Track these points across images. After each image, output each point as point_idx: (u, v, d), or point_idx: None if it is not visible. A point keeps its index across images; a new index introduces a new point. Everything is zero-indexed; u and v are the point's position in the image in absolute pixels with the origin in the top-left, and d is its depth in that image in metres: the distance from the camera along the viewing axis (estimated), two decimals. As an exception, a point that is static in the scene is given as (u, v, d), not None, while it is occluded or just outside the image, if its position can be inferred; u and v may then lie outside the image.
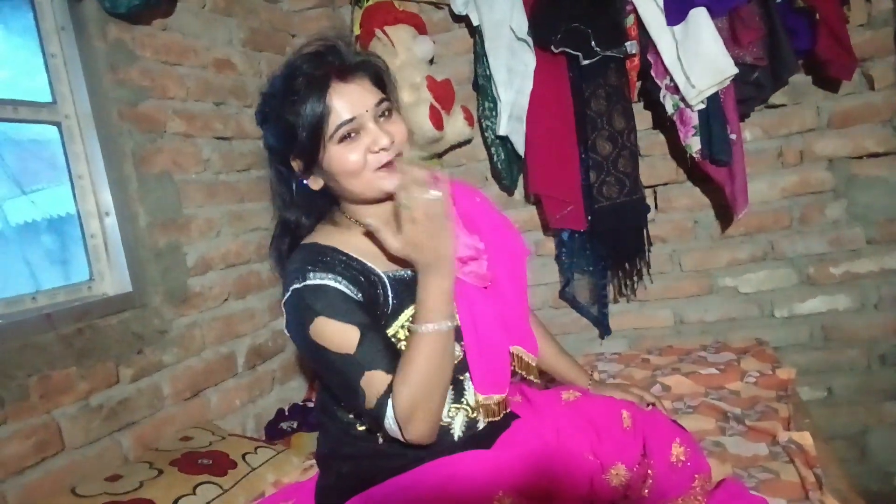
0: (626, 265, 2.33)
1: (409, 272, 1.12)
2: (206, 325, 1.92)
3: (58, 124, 1.68)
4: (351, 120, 1.04)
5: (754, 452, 1.42)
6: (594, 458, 1.15)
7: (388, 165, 1.07)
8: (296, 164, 1.10)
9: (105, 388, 1.56)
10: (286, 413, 2.13)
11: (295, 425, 2.04)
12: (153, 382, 1.71)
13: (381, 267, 1.11)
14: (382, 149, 1.05)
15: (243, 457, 1.60)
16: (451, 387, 1.13)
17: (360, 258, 1.09)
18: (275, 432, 2.03)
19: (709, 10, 1.97)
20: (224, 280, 2.02)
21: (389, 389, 1.02)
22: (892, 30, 2.11)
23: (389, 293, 1.10)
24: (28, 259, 1.65)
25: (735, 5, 1.98)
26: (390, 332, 1.10)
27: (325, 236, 1.13)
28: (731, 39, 2.00)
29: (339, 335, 1.02)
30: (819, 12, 1.96)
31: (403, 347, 1.08)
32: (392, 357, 1.04)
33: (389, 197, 1.07)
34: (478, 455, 1.13)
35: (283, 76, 1.09)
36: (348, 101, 1.04)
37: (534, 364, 1.25)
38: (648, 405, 1.38)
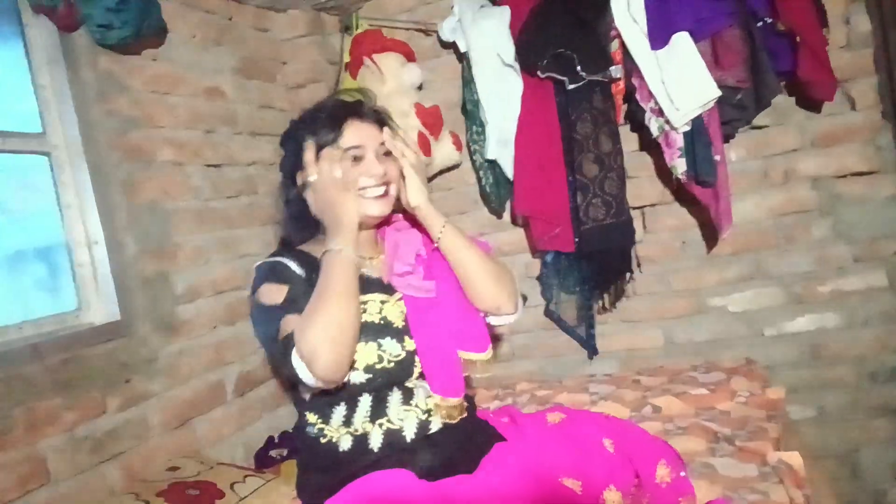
0: (612, 287, 2.34)
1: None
2: (194, 353, 1.91)
3: (47, 154, 1.69)
4: (357, 147, 1.24)
5: (744, 473, 1.42)
6: (582, 482, 1.17)
7: (378, 195, 1.26)
8: (300, 177, 1.28)
9: (91, 418, 1.55)
10: (276, 441, 2.11)
11: (285, 453, 2.02)
12: (140, 412, 1.70)
13: None
14: (375, 175, 1.24)
15: (231, 486, 1.59)
16: (399, 392, 1.24)
17: (316, 256, 1.26)
18: (264, 460, 2.01)
19: (691, 34, 2.00)
20: (213, 307, 2.01)
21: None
22: (872, 51, 2.15)
23: None
24: (15, 288, 1.64)
25: (717, 29, 2.02)
26: None
27: (301, 244, 1.35)
28: (714, 62, 2.03)
29: (273, 292, 1.21)
30: (800, 35, 1.99)
31: None
32: None
33: (371, 224, 1.31)
34: (465, 478, 1.16)
35: (310, 110, 1.33)
36: (359, 132, 1.25)
37: (483, 357, 1.30)
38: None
